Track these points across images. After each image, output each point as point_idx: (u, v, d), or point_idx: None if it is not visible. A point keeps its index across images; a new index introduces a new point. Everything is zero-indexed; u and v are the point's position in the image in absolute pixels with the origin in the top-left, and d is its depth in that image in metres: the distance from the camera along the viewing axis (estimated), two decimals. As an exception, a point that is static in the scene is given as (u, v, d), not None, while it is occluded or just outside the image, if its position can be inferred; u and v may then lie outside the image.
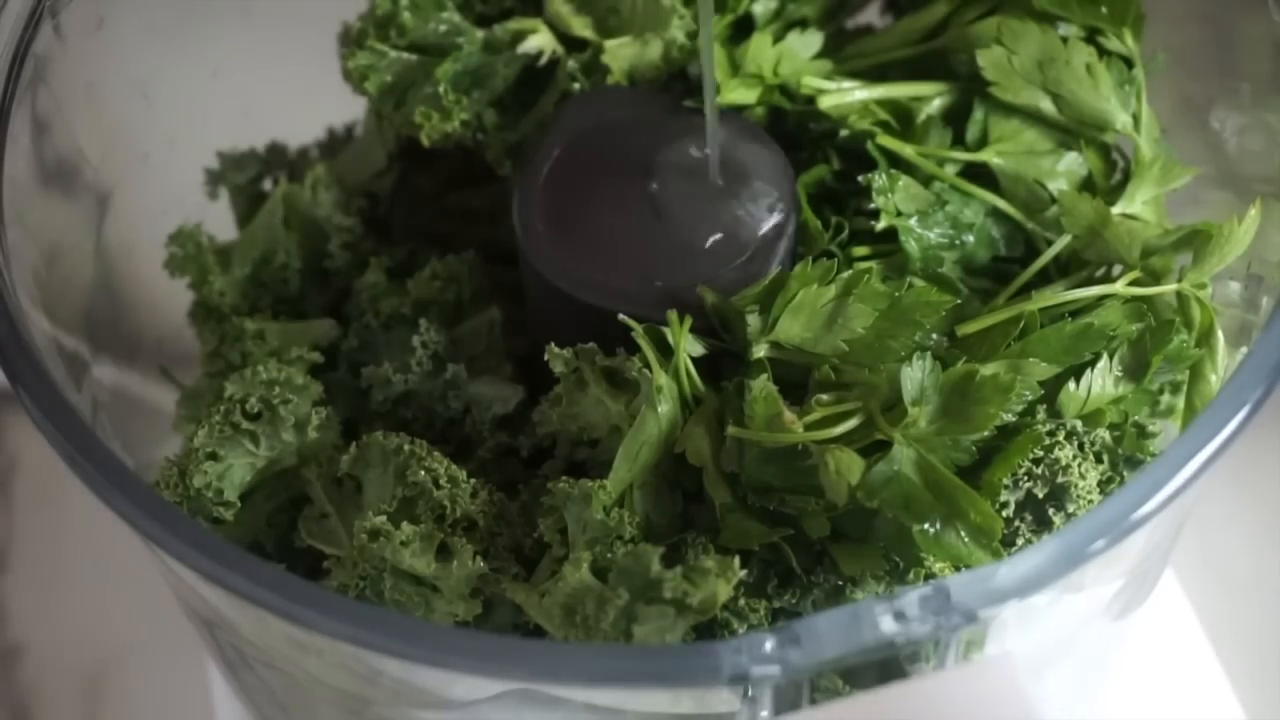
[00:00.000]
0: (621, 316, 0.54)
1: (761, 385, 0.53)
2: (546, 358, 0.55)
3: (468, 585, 0.53)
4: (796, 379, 0.54)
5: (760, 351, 0.54)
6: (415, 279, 0.62)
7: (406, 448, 0.54)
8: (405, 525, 0.52)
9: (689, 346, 0.54)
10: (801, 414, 0.53)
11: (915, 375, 0.52)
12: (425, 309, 0.62)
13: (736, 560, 0.49)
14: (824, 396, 0.53)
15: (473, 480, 0.54)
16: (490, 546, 0.54)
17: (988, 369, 0.52)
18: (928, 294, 0.54)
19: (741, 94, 0.62)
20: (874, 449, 0.51)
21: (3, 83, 0.57)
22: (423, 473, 0.53)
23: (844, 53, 0.64)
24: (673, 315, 0.54)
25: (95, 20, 0.62)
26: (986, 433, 0.51)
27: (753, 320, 0.54)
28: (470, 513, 0.53)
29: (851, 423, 0.52)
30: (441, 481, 0.53)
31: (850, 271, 0.54)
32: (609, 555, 0.50)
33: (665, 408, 0.53)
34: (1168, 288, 0.55)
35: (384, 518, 0.53)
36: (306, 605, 0.46)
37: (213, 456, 0.55)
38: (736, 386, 0.54)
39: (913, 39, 0.63)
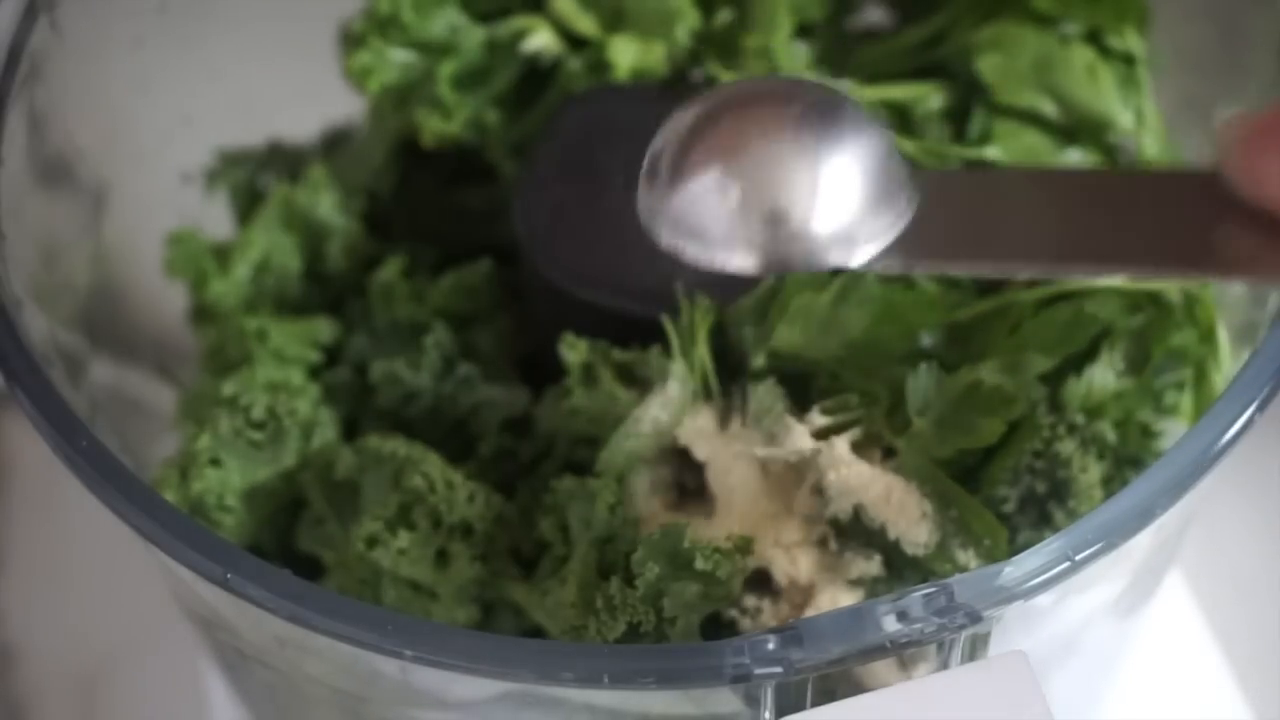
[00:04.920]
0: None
1: (768, 389, 0.53)
2: (561, 348, 0.55)
3: (466, 591, 0.52)
4: (796, 383, 0.55)
5: (759, 361, 0.54)
6: (434, 288, 0.62)
7: (402, 452, 0.54)
8: (402, 532, 0.52)
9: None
10: (804, 421, 0.53)
11: (920, 385, 0.52)
12: (439, 314, 0.62)
13: (752, 537, 0.49)
14: (828, 403, 0.53)
15: (469, 484, 0.54)
16: (488, 550, 0.53)
17: (993, 380, 0.52)
18: (923, 296, 0.54)
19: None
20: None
21: (-1, 79, 0.57)
22: (418, 478, 0.53)
23: (845, 62, 0.64)
24: (699, 306, 0.54)
25: (92, 16, 0.62)
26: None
27: (749, 330, 0.54)
28: (467, 517, 0.53)
29: (857, 431, 0.52)
30: (438, 486, 0.53)
31: (844, 275, 0.54)
32: (623, 547, 0.50)
33: (677, 394, 0.53)
34: (1168, 283, 0.55)
35: (380, 524, 0.52)
36: (306, 606, 0.45)
37: (215, 462, 0.55)
38: (741, 388, 0.54)
39: (913, 49, 0.63)
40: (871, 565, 0.51)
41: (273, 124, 0.70)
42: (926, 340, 0.55)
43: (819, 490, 0.51)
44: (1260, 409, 0.47)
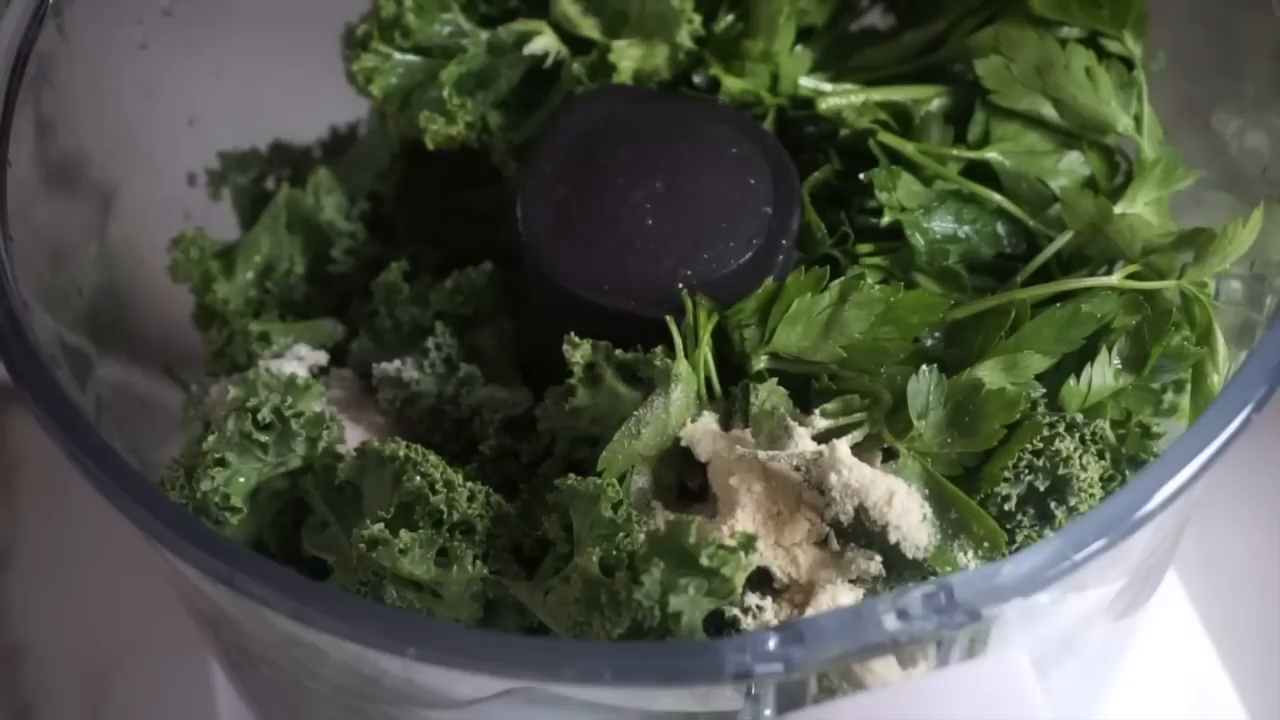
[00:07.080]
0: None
1: (769, 389, 0.53)
2: (564, 348, 0.55)
3: (469, 589, 0.53)
4: (797, 385, 0.55)
5: (760, 362, 0.54)
6: (436, 291, 0.62)
7: (402, 453, 0.54)
8: (404, 533, 0.52)
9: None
10: (806, 423, 0.53)
11: (920, 388, 0.52)
12: (441, 316, 0.62)
13: (755, 535, 0.50)
14: (829, 406, 0.53)
15: (470, 484, 0.54)
16: (490, 549, 0.54)
17: (992, 379, 0.52)
18: (922, 297, 0.54)
19: (743, 94, 0.62)
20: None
21: (7, 82, 0.57)
22: (419, 478, 0.53)
23: (846, 65, 0.64)
24: (701, 307, 0.54)
25: (99, 19, 0.62)
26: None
27: (750, 332, 0.54)
28: (468, 517, 0.53)
29: (859, 435, 0.53)
30: (438, 486, 0.53)
31: (844, 278, 0.54)
32: (626, 545, 0.50)
33: (679, 394, 0.53)
34: (1166, 283, 0.55)
35: (381, 525, 0.52)
36: (311, 604, 0.46)
37: (221, 463, 0.55)
38: (743, 389, 0.54)
39: (914, 53, 0.63)
40: (872, 564, 0.51)
41: (277, 127, 0.70)
42: (926, 341, 0.55)
43: (820, 492, 0.52)
44: (1257, 409, 0.47)
